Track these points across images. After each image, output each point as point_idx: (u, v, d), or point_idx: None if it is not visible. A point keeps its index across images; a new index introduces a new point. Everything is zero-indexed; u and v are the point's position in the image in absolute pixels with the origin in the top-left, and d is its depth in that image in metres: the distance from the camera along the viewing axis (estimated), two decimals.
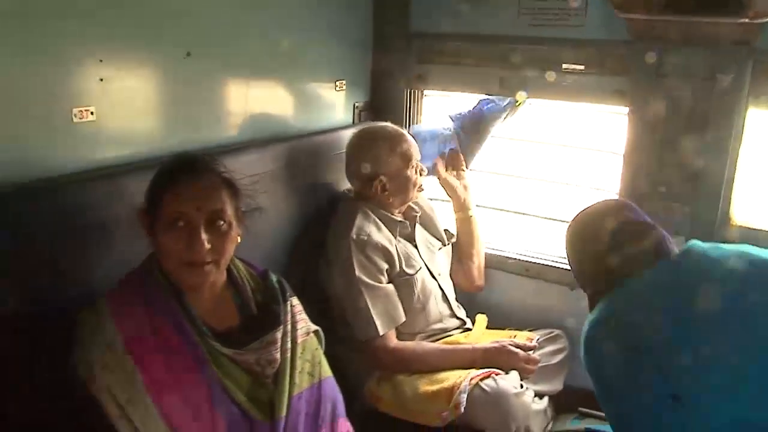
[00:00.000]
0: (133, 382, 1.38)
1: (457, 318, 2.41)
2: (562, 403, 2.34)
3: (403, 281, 2.19)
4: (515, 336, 2.31)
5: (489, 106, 2.59)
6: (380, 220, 2.23)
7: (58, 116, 1.62)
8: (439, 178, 2.47)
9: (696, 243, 1.69)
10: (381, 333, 2.09)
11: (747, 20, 1.95)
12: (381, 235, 2.19)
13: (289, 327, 1.60)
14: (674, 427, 1.52)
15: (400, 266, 2.19)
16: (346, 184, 2.39)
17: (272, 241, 2.09)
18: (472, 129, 2.59)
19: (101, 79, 1.70)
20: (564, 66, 2.40)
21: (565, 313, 2.51)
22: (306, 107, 2.49)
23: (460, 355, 2.15)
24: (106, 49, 1.71)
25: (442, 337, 2.31)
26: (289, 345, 1.58)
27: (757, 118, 2.16)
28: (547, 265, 2.57)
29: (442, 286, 2.37)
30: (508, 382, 2.03)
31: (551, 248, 2.65)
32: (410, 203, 2.33)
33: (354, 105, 2.70)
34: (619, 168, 2.37)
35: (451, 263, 2.51)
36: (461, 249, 2.52)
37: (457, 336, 2.33)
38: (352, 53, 2.67)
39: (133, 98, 1.82)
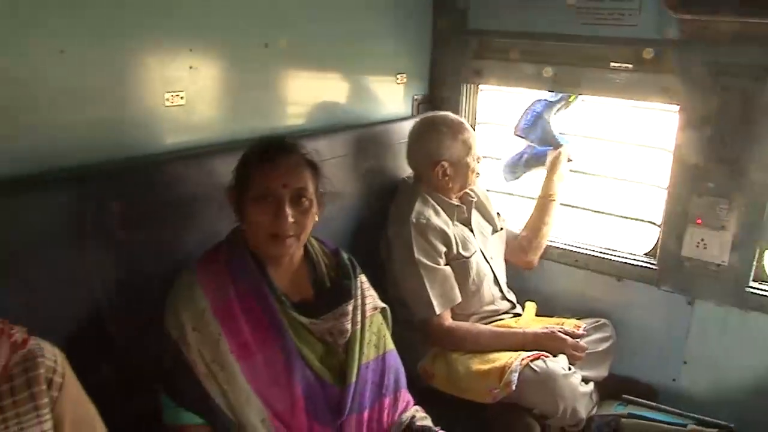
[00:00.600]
0: (218, 344, 1.50)
1: (508, 300, 2.46)
2: (607, 390, 2.37)
3: (459, 264, 2.25)
4: (563, 323, 2.35)
5: (542, 104, 2.66)
6: (438, 204, 2.29)
7: (153, 100, 1.75)
8: (549, 162, 2.56)
9: None
10: (437, 312, 2.15)
11: None
12: (439, 219, 2.25)
13: (359, 301, 1.69)
14: None
15: (457, 249, 2.25)
16: (404, 172, 2.46)
17: (339, 222, 2.18)
18: (542, 137, 2.66)
19: (191, 67, 1.82)
20: (616, 64, 2.43)
21: (612, 303, 2.57)
22: (369, 98, 2.56)
23: (511, 337, 2.21)
24: (195, 40, 1.83)
25: (494, 319, 2.37)
26: (359, 317, 1.67)
27: None
28: (596, 256, 2.60)
29: (495, 270, 2.42)
30: (558, 364, 2.08)
31: (600, 240, 2.69)
32: (467, 189, 2.39)
33: (413, 97, 2.77)
34: (668, 164, 2.40)
35: (508, 241, 2.56)
36: (530, 226, 2.56)
37: (508, 321, 2.39)
38: (412, 48, 2.74)
39: (218, 85, 1.94)
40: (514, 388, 1.97)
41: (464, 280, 2.26)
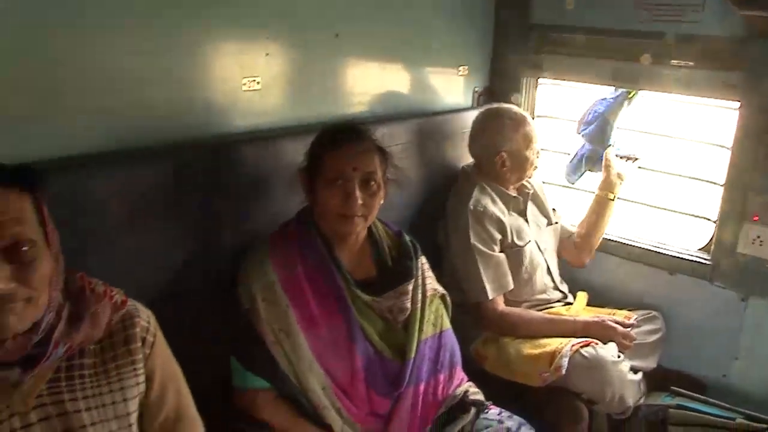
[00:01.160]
0: (286, 315, 1.60)
1: (560, 291, 2.49)
2: (655, 382, 2.38)
3: (513, 252, 2.30)
4: (614, 314, 2.37)
5: (604, 103, 2.67)
6: (495, 193, 2.33)
7: (232, 84, 1.84)
8: (606, 161, 2.56)
9: None
10: (490, 297, 2.21)
11: None
12: (496, 208, 2.29)
13: (419, 281, 1.77)
14: None
15: (512, 238, 2.29)
16: (463, 161, 2.51)
17: (401, 206, 2.24)
18: (597, 137, 2.67)
19: (267, 54, 1.90)
20: (677, 60, 2.42)
21: (663, 297, 2.56)
22: (431, 89, 2.61)
23: (562, 324, 2.25)
24: (271, 28, 1.91)
25: (545, 308, 2.40)
26: (419, 297, 1.75)
27: None
28: (649, 250, 2.60)
29: (548, 261, 2.45)
30: (607, 351, 2.11)
31: (654, 234, 2.69)
32: (524, 182, 2.43)
33: (474, 89, 2.81)
34: (724, 160, 2.39)
35: (562, 238, 2.59)
36: (586, 225, 2.58)
37: (559, 308, 2.42)
38: (474, 41, 2.77)
39: (290, 71, 2.02)
40: (563, 372, 2.02)
41: (517, 267, 2.30)
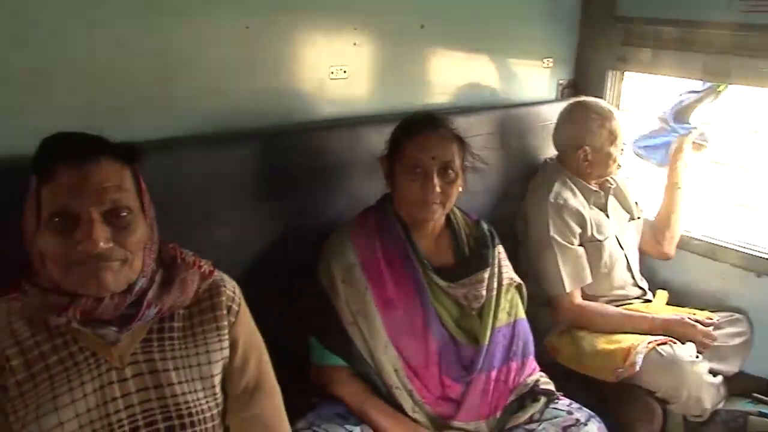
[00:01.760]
0: (364, 296, 1.63)
1: (639, 288, 2.42)
2: (737, 387, 2.27)
3: (592, 246, 2.25)
4: (695, 314, 2.29)
5: (689, 94, 2.59)
6: (576, 187, 2.30)
7: (320, 73, 1.90)
8: (677, 149, 2.49)
9: None
10: (567, 290, 2.18)
11: None
12: (576, 201, 2.26)
13: (496, 270, 1.77)
14: None
15: (591, 232, 2.25)
16: (545, 153, 2.48)
17: (480, 195, 2.25)
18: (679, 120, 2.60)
19: (354, 44, 1.95)
20: None
21: (749, 299, 2.45)
22: (515, 80, 2.59)
23: (639, 320, 2.19)
24: (359, 19, 1.95)
25: (623, 304, 2.34)
26: (494, 285, 1.75)
27: None
28: (735, 250, 2.49)
29: (628, 256, 2.39)
30: (685, 350, 2.05)
31: (740, 233, 2.58)
32: (607, 177, 2.37)
33: (558, 82, 2.77)
34: None
35: (644, 231, 2.52)
36: (661, 216, 2.51)
37: (638, 305, 2.36)
38: (559, 33, 2.73)
39: (377, 61, 2.06)
40: (637, 368, 1.97)
41: (596, 261, 2.26)
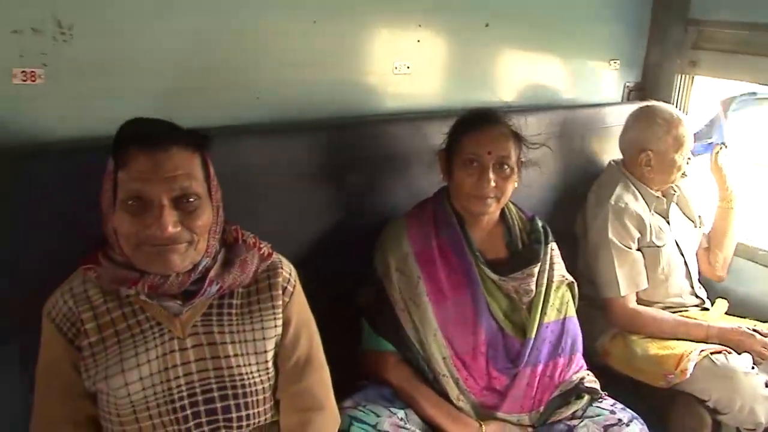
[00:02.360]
0: (417, 285, 1.67)
1: (697, 297, 2.36)
2: None
3: (650, 251, 2.21)
4: (755, 325, 2.20)
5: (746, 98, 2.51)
6: (639, 191, 2.26)
7: (384, 67, 1.95)
8: (712, 164, 2.42)
9: None
10: (623, 294, 2.14)
11: None
12: (637, 205, 2.22)
13: (547, 266, 1.77)
14: None
15: (650, 237, 2.21)
16: (608, 155, 2.45)
17: (539, 194, 2.25)
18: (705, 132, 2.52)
19: (418, 41, 1.99)
20: None
21: None
22: (580, 81, 2.57)
23: (694, 328, 2.13)
24: (423, 17, 1.98)
25: (679, 312, 2.28)
26: (545, 281, 1.75)
27: None
28: None
29: (688, 264, 2.34)
30: (740, 361, 1.99)
31: None
32: (671, 185, 2.32)
33: (625, 84, 2.73)
34: None
35: (698, 248, 2.45)
36: (713, 237, 2.44)
37: (694, 313, 2.30)
38: (628, 35, 2.68)
39: (439, 58, 2.09)
40: (688, 375, 1.92)
41: (654, 267, 2.22)
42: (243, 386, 1.29)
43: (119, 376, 1.22)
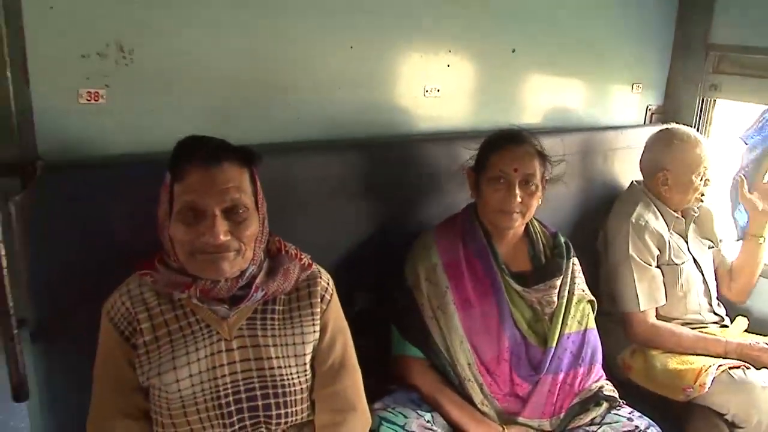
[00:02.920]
0: (445, 295, 1.73)
1: (716, 314, 2.39)
2: None
3: (669, 269, 2.25)
4: None
5: None
6: (659, 211, 2.30)
7: (415, 90, 2.02)
8: (741, 196, 2.45)
9: None
10: (642, 309, 2.18)
11: None
12: (658, 224, 2.26)
13: (568, 279, 1.82)
14: None
15: (669, 255, 2.25)
16: (630, 176, 2.49)
17: (562, 212, 2.31)
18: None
19: (448, 65, 2.06)
20: None
21: None
22: (603, 104, 2.62)
23: (713, 343, 2.16)
24: (453, 43, 2.06)
25: (698, 328, 2.30)
26: (566, 293, 1.80)
27: None
28: None
29: (707, 282, 2.37)
30: (758, 375, 2.01)
31: None
32: (690, 205, 2.35)
33: (647, 107, 2.77)
34: None
35: (718, 268, 2.47)
36: (738, 267, 2.46)
37: (713, 329, 2.32)
38: (651, 59, 2.74)
39: (469, 82, 2.16)
40: (707, 389, 1.96)
41: (672, 284, 2.25)
42: (283, 386, 1.36)
43: (171, 373, 1.30)
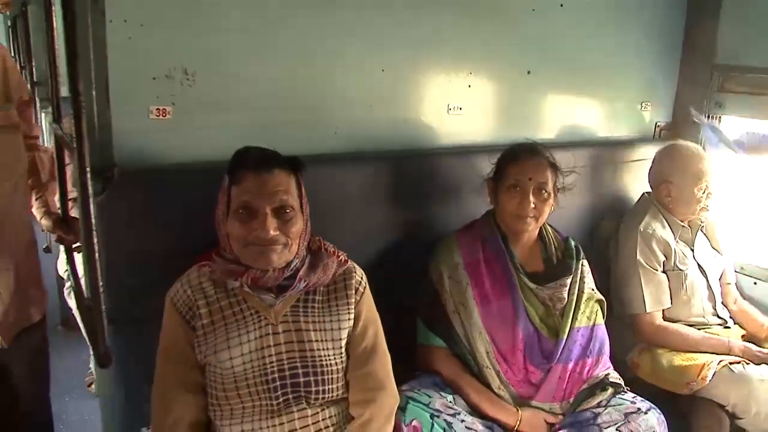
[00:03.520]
0: (465, 291, 1.88)
1: (719, 317, 2.46)
2: None
3: (674, 274, 2.35)
4: None
5: None
6: (666, 220, 2.41)
7: (439, 108, 2.18)
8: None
9: None
10: (648, 311, 2.29)
11: None
12: (664, 232, 2.37)
13: (578, 279, 1.96)
14: None
15: (675, 261, 2.35)
16: (638, 188, 2.60)
17: (574, 220, 2.43)
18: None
19: (469, 86, 2.21)
20: None
21: None
22: (613, 121, 2.73)
23: (717, 342, 2.25)
24: (473, 66, 2.22)
25: (702, 330, 2.37)
26: (576, 291, 1.94)
27: None
28: None
29: (711, 288, 2.45)
30: (756, 369, 2.11)
31: None
32: (695, 216, 2.44)
33: (656, 124, 2.87)
34: None
35: (722, 279, 2.54)
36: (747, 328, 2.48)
37: (717, 330, 2.40)
38: (659, 79, 2.83)
39: (488, 101, 2.31)
40: (708, 382, 2.07)
41: (677, 288, 2.35)
42: (321, 366, 1.52)
43: (225, 352, 1.47)
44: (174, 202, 1.62)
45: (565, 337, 1.87)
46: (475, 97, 2.24)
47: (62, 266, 2.97)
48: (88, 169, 1.11)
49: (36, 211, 2.13)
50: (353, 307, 1.59)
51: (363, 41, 1.96)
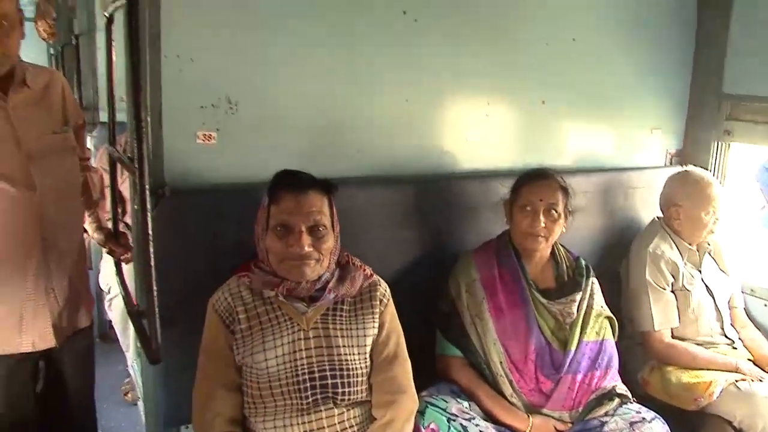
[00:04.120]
0: (482, 304, 1.98)
1: (727, 337, 2.49)
2: None
3: (682, 294, 2.41)
4: None
5: None
6: (675, 242, 2.47)
7: (458, 136, 2.29)
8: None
9: None
10: (656, 328, 2.35)
11: None
12: (672, 254, 2.44)
13: (587, 295, 2.05)
14: None
15: (682, 282, 2.41)
16: (649, 212, 2.67)
17: (586, 243, 2.51)
18: None
19: (486, 115, 2.33)
20: None
21: None
22: (625, 148, 2.80)
23: (724, 361, 2.30)
24: (491, 96, 2.33)
25: (709, 349, 2.41)
26: (585, 307, 2.03)
27: None
28: None
29: (719, 309, 2.49)
30: (762, 386, 2.15)
31: None
32: (703, 240, 2.50)
33: (667, 151, 2.94)
34: None
35: (729, 301, 2.59)
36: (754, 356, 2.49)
37: (725, 350, 2.44)
38: (669, 107, 2.89)
39: (504, 128, 2.41)
40: (714, 398, 2.12)
41: (684, 308, 2.40)
42: (348, 369, 1.63)
43: (261, 354, 1.59)
44: (217, 218, 1.76)
45: (573, 349, 1.95)
46: (492, 126, 2.34)
47: (104, 280, 3.12)
48: (147, 187, 1.26)
49: (88, 226, 2.27)
50: (378, 316, 1.71)
51: (389, 73, 2.09)
